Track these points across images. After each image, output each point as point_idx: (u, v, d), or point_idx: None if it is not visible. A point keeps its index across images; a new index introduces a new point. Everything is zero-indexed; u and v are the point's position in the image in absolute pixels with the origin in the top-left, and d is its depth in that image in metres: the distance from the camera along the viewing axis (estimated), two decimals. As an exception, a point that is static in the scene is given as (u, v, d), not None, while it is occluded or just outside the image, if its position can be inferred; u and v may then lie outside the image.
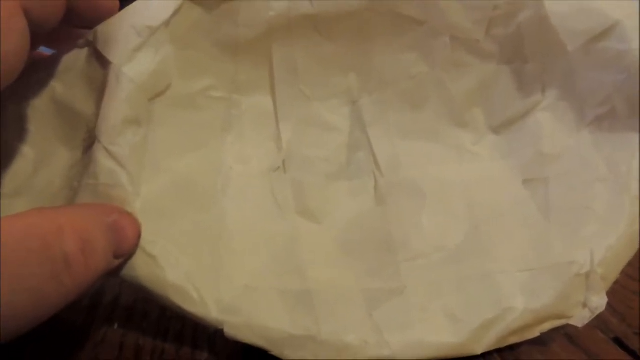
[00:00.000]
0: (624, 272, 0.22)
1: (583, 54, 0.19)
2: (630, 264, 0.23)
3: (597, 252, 0.18)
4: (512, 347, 0.19)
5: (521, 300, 0.18)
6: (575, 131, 0.20)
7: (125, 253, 0.17)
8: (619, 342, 0.20)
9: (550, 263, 0.18)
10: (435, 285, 0.19)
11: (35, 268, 0.13)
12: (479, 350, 0.18)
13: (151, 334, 0.20)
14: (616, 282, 0.21)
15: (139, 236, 0.17)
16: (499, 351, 0.18)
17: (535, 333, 0.18)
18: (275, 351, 0.17)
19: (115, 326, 0.20)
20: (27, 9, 0.15)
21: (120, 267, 0.17)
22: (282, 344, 0.17)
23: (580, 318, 0.18)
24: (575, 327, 0.18)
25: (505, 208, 0.20)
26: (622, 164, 0.19)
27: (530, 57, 0.20)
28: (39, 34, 0.17)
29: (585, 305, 0.18)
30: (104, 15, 0.19)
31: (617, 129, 0.19)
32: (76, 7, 0.18)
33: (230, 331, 0.17)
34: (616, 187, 0.18)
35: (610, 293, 0.20)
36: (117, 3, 0.19)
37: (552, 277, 0.18)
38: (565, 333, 0.20)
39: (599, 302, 0.18)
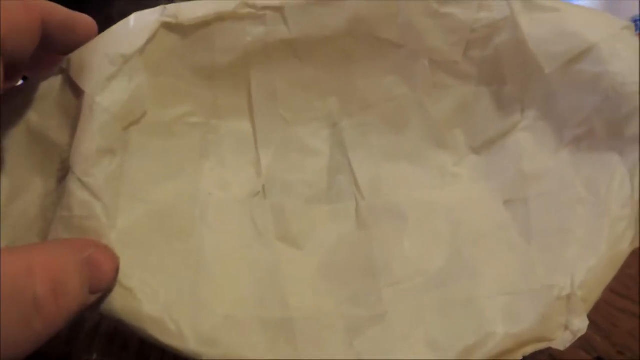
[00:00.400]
0: (608, 288, 0.22)
1: (561, 76, 0.19)
2: (616, 279, 0.23)
3: (578, 274, 0.18)
4: None
5: (502, 325, 0.18)
6: (554, 151, 0.20)
7: (102, 288, 0.16)
8: None
9: (532, 287, 0.18)
10: (417, 311, 0.19)
11: (3, 311, 0.13)
12: None
13: None
14: (601, 299, 0.21)
15: (116, 270, 0.17)
16: None
17: (517, 357, 0.18)
18: (254, 383, 0.17)
19: (94, 357, 0.20)
20: (3, 40, 0.15)
21: (98, 302, 0.16)
22: None
23: (562, 341, 0.18)
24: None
25: (487, 230, 0.20)
26: (601, 186, 0.19)
27: (508, 79, 0.20)
28: (16, 62, 0.16)
29: (566, 327, 0.18)
30: (82, 40, 0.18)
31: (596, 150, 0.19)
32: (52, 33, 0.17)
33: (208, 364, 0.17)
34: (596, 209, 0.18)
35: (595, 310, 0.20)
36: (95, 26, 0.19)
37: (533, 300, 0.18)
38: (549, 353, 0.20)
39: (580, 324, 0.18)
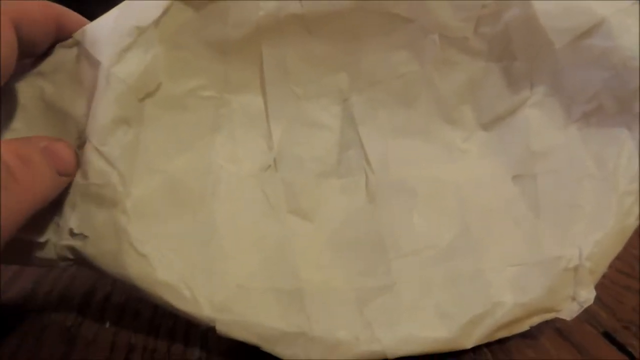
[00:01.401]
0: (614, 267, 0.23)
1: (570, 51, 0.19)
2: (620, 259, 0.23)
3: (585, 247, 0.18)
4: (502, 342, 0.19)
5: (510, 295, 0.18)
6: (563, 127, 0.20)
7: (68, 170, 0.17)
8: (608, 336, 0.20)
9: (539, 258, 0.19)
10: (426, 282, 0.19)
11: None
12: (468, 344, 0.18)
13: (143, 332, 0.20)
14: (606, 277, 0.21)
15: (75, 156, 0.18)
16: (488, 346, 0.19)
17: (524, 327, 0.18)
18: (267, 348, 0.17)
19: (107, 325, 0.20)
20: (17, 24, 0.16)
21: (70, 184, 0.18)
22: (275, 340, 0.17)
23: (569, 311, 0.18)
24: (565, 322, 0.19)
25: (496, 205, 0.21)
26: (609, 161, 0.19)
27: (518, 55, 0.20)
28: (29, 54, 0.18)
29: (573, 298, 0.18)
30: None
31: (605, 126, 0.19)
32: (65, 31, 0.18)
33: (222, 328, 0.17)
34: (604, 184, 0.19)
35: (600, 287, 0.20)
36: None
37: (541, 271, 0.18)
38: (555, 327, 0.20)
39: (587, 295, 0.18)
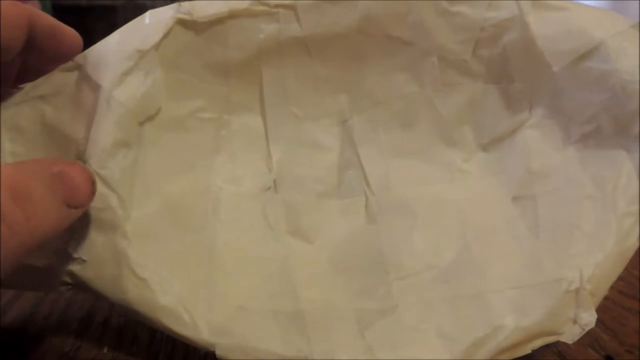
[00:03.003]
0: (616, 289, 0.23)
1: (568, 74, 0.19)
2: (622, 280, 0.23)
3: (586, 269, 0.18)
4: None
5: (511, 318, 0.18)
6: (561, 148, 0.20)
7: (80, 202, 0.16)
8: (610, 359, 0.20)
9: (540, 280, 0.19)
10: (427, 304, 0.19)
11: None
12: None
13: (141, 358, 0.19)
14: (608, 299, 0.22)
15: (92, 184, 0.16)
16: None
17: (526, 350, 0.18)
18: (267, 373, 0.17)
19: (105, 350, 0.20)
20: None
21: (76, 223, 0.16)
22: None
23: (570, 334, 0.18)
24: (567, 345, 0.19)
25: (496, 226, 0.21)
26: (608, 182, 0.19)
27: (516, 77, 0.20)
28: (2, 62, 0.17)
29: (575, 321, 0.18)
30: (67, 51, 0.19)
31: (603, 147, 0.19)
32: (38, 37, 0.18)
33: (221, 353, 0.17)
34: (603, 205, 0.19)
35: (603, 310, 0.20)
36: (81, 40, 0.19)
37: (542, 294, 0.18)
38: (558, 351, 0.20)
39: (589, 318, 0.18)
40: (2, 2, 0.16)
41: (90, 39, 0.20)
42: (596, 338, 0.21)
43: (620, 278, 0.23)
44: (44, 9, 0.67)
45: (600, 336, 0.21)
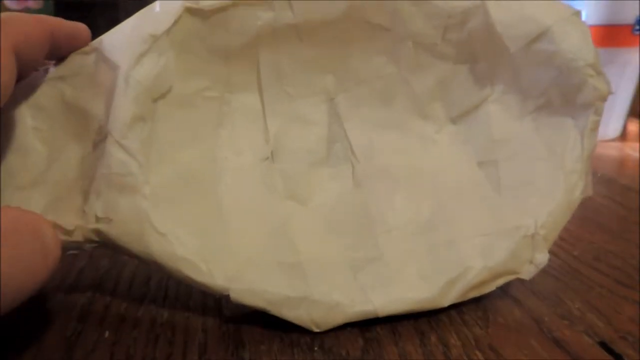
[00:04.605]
0: (613, 278, 0.25)
1: (523, 55, 0.22)
2: (619, 269, 0.25)
3: (540, 217, 0.21)
4: (497, 351, 0.19)
5: (479, 260, 0.21)
6: (519, 119, 0.24)
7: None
8: (604, 345, 0.20)
9: (503, 228, 0.22)
10: (409, 252, 0.22)
11: (27, 247, 0.15)
12: (445, 303, 0.21)
13: (142, 342, 0.20)
14: (603, 287, 0.24)
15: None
16: (482, 352, 0.19)
17: (491, 287, 0.22)
18: (274, 311, 0.20)
19: (106, 334, 0.20)
20: (17, 50, 0.17)
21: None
22: (281, 304, 0.20)
23: (527, 272, 0.22)
24: (562, 332, 0.20)
25: (465, 187, 0.24)
26: (558, 146, 0.22)
27: (480, 58, 0.24)
28: (23, 72, 0.19)
29: (531, 262, 0.22)
30: (80, 46, 0.21)
31: (554, 116, 0.23)
32: (59, 44, 0.20)
33: (235, 296, 0.20)
34: (553, 165, 0.22)
35: (598, 298, 0.23)
36: (90, 33, 0.22)
37: (504, 239, 0.22)
38: (552, 337, 0.20)
39: (542, 258, 0.21)
40: (26, 19, 0.18)
41: (93, 34, 0.22)
42: (591, 325, 0.21)
43: (617, 267, 0.26)
44: (46, 5, 0.67)
45: (595, 323, 0.21)
